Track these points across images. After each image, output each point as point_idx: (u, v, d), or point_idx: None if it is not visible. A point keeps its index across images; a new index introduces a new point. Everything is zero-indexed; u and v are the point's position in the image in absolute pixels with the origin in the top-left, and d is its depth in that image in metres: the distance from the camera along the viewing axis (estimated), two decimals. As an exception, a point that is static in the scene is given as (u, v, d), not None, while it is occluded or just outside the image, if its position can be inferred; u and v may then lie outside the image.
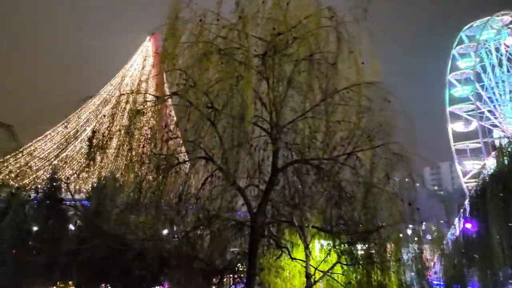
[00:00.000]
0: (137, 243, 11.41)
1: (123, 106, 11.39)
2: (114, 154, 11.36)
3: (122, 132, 11.03)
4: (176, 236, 12.74)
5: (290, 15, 11.47)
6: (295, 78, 11.49)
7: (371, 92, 10.82)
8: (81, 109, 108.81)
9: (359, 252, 12.13)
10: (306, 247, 10.51)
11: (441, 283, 31.05)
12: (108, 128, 11.26)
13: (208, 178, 12.65)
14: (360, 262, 10.67)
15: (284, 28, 11.45)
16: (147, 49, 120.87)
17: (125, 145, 11.17)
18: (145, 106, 11.44)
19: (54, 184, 20.80)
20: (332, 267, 11.04)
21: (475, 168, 68.46)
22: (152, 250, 10.57)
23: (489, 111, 72.51)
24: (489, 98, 73.01)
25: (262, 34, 11.41)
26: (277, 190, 12.08)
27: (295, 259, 13.26)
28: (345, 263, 10.77)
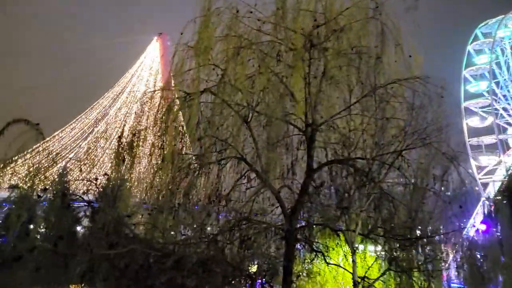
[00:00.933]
0: (168, 248, 10.81)
1: (155, 103, 10.83)
2: (145, 153, 10.79)
3: (153, 130, 10.46)
4: (205, 239, 12.13)
5: (330, 7, 10.80)
6: (334, 73, 10.82)
7: (419, 87, 10.10)
8: (90, 109, 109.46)
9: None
10: (353, 253, 9.86)
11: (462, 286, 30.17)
12: (138, 127, 10.70)
13: (239, 179, 12.09)
14: (405, 269, 9.98)
15: (322, 20, 10.80)
16: (154, 49, 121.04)
17: (157, 144, 10.64)
18: (176, 104, 10.86)
19: (66, 185, 20.18)
20: (382, 274, 10.38)
21: (491, 164, 67.19)
22: (191, 256, 9.95)
23: (503, 109, 71.35)
24: (503, 96, 71.90)
25: (299, 27, 10.72)
26: (314, 191, 11.42)
27: (330, 263, 12.67)
28: (394, 270, 10.09)
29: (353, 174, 10.31)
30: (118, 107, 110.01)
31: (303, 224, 12.64)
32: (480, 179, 67.50)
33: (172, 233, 12.27)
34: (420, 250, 10.05)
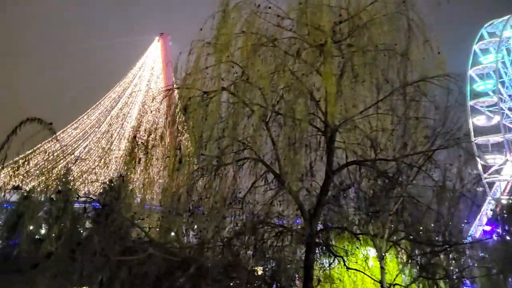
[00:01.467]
0: (185, 253, 10.40)
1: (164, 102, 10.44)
2: (160, 154, 10.38)
3: (171, 130, 10.05)
4: (221, 243, 11.71)
5: (354, 1, 10.38)
6: (358, 71, 10.38)
7: (451, 86, 9.66)
8: (92, 109, 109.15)
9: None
10: (382, 259, 9.43)
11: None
12: (155, 126, 10.31)
13: (256, 181, 11.68)
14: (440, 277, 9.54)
15: (345, 16, 10.39)
16: (156, 49, 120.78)
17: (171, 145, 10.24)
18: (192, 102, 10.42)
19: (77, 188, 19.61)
20: (414, 281, 9.94)
21: (497, 163, 66.53)
22: (214, 262, 9.53)
23: (509, 109, 70.93)
24: (509, 95, 71.55)
25: (324, 22, 10.27)
26: (340, 194, 11.00)
27: (349, 268, 12.24)
28: (426, 276, 9.65)
29: (376, 177, 9.87)
30: (130, 107, 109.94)
31: (321, 227, 12.25)
32: (485, 178, 66.84)
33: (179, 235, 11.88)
34: (450, 256, 9.62)
